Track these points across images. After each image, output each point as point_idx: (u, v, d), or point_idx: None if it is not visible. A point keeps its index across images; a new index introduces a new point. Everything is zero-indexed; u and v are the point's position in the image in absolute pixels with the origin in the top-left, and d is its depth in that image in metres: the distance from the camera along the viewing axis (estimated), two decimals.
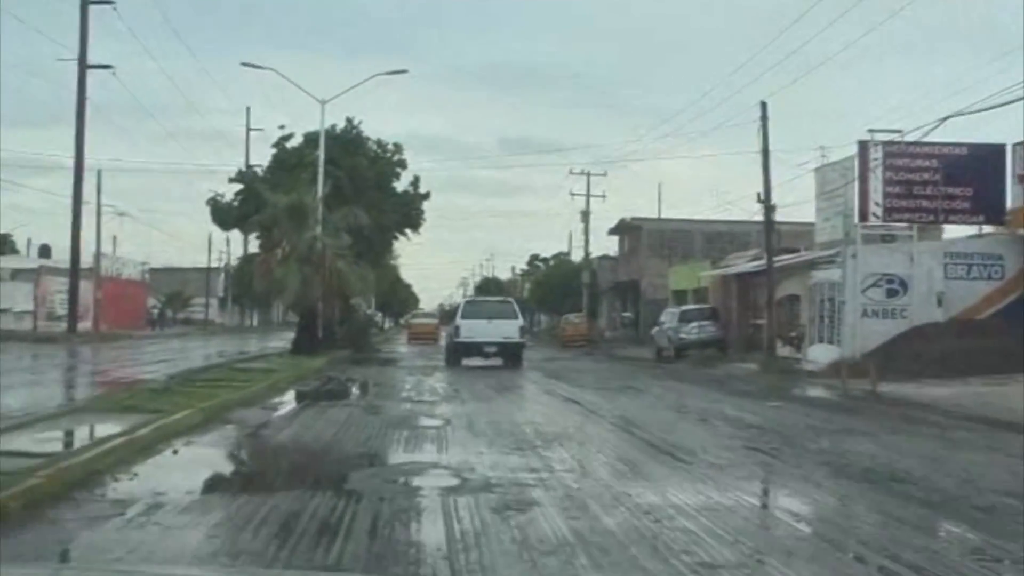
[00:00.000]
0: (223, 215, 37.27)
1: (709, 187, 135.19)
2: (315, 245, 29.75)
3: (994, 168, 27.20)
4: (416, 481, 8.78)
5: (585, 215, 63.11)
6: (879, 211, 28.29)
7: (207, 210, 37.37)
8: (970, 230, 29.31)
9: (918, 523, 7.37)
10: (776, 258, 31.68)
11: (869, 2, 67.24)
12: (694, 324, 36.47)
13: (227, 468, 10.36)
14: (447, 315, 56.60)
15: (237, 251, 62.43)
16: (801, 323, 31.16)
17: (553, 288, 67.81)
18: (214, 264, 75.11)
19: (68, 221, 41.27)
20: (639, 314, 54.01)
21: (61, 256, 47.02)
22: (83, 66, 40.59)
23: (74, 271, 41.99)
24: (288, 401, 16.79)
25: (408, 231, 39.83)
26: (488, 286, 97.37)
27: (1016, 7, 35.00)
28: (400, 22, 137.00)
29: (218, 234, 59.82)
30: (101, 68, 41.47)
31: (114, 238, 66.21)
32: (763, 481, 9.76)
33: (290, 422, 13.79)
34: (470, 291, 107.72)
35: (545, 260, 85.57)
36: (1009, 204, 26.82)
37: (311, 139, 35.85)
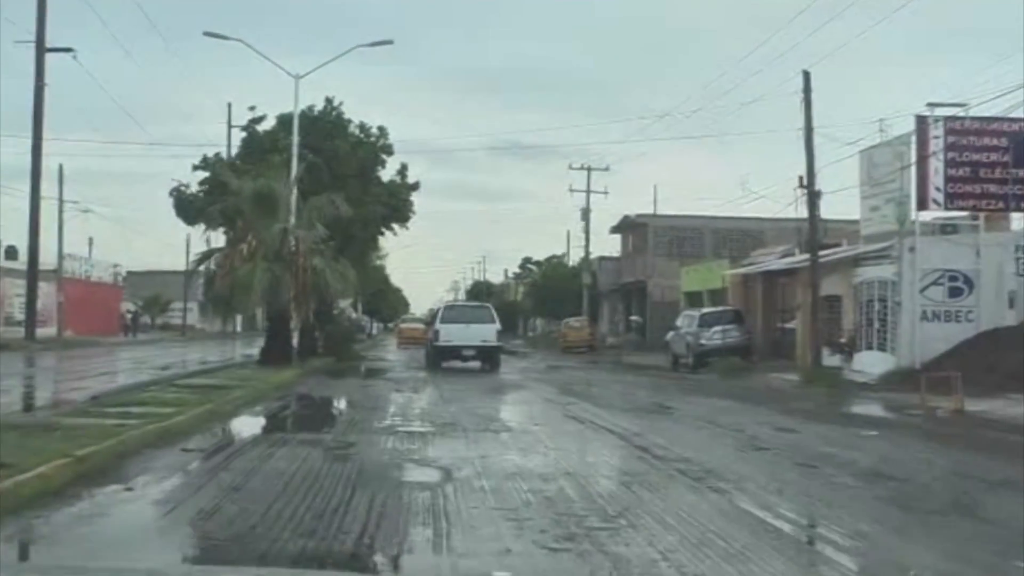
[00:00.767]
0: (186, 207, 32.95)
1: (708, 187, 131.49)
2: (287, 239, 25.72)
3: None
4: None
5: (585, 212, 59.16)
6: (940, 197, 24.86)
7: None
8: None
9: None
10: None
11: None
12: (716, 329, 32.63)
13: None
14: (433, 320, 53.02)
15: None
16: (850, 328, 27.31)
17: (550, 291, 63.86)
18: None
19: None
20: (646, 318, 50.45)
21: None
22: (41, 49, 37.20)
23: (32, 272, 38.46)
24: (225, 436, 12.33)
25: (395, 225, 35.39)
26: (479, 290, 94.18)
27: None
28: (393, 24, 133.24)
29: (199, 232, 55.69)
30: (61, 51, 37.93)
31: (89, 239, 62.63)
32: None
33: (205, 481, 8.62)
34: (461, 295, 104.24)
35: (538, 263, 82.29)
36: None
37: (285, 121, 31.58)
